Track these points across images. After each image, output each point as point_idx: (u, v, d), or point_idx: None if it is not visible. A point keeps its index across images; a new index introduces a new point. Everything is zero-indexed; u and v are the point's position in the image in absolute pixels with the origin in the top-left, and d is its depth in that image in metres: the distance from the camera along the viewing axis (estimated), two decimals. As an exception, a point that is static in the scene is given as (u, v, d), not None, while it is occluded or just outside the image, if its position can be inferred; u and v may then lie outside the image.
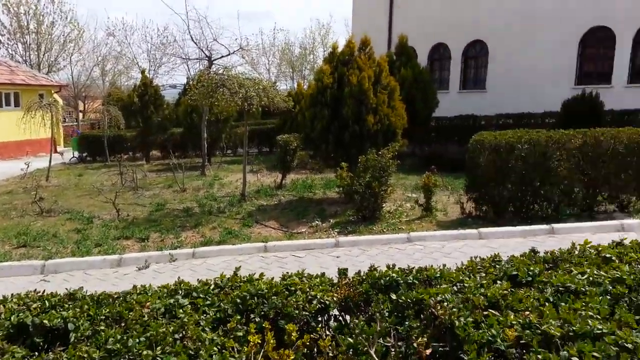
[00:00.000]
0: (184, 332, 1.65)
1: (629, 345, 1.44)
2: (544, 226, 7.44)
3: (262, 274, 2.11)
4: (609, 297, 1.81)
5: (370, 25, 19.47)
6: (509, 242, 7.10)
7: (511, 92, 15.90)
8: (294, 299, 1.83)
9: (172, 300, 1.91)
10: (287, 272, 2.15)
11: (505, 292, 1.80)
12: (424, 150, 13.92)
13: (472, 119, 14.93)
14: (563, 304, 1.72)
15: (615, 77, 14.37)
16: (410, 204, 9.18)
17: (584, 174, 7.71)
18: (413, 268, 2.09)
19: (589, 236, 7.10)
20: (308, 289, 1.95)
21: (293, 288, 1.95)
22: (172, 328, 1.67)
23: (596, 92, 12.67)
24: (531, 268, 2.02)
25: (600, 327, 1.52)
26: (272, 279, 2.07)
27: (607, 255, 2.15)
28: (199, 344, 1.60)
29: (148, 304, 1.92)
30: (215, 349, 1.58)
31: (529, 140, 7.74)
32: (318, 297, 1.88)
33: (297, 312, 1.75)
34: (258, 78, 10.84)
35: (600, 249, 2.24)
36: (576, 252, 2.29)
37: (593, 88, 13.11)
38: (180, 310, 1.81)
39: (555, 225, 7.41)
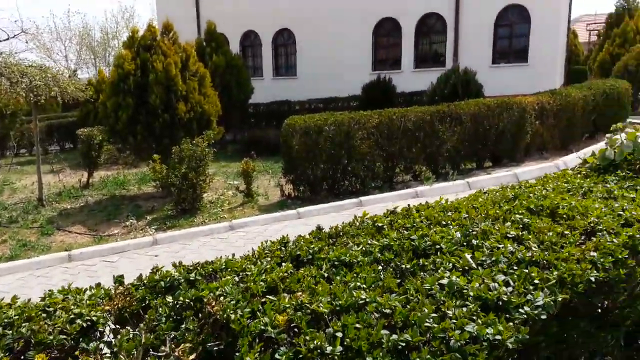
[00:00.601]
0: None
1: (387, 311, 1.56)
2: (354, 200, 8.06)
3: (14, 297, 1.77)
4: (380, 265, 1.95)
5: (177, 10, 18.62)
6: (325, 218, 7.52)
7: (320, 78, 16.86)
8: (51, 322, 1.56)
9: None
10: (50, 290, 1.84)
11: (285, 274, 1.82)
12: (244, 136, 13.95)
13: (287, 104, 15.45)
14: (338, 278, 1.80)
15: (404, 63, 16.30)
16: (232, 191, 9.10)
17: (382, 150, 8.53)
18: (198, 263, 1.98)
19: (391, 205, 7.98)
20: (73, 307, 1.69)
21: (52, 309, 1.67)
22: None
23: (389, 76, 14.20)
24: (312, 246, 2.08)
25: (364, 296, 1.62)
26: (29, 301, 1.75)
27: (380, 225, 2.33)
28: None
29: None
30: None
31: (334, 121, 8.25)
32: (84, 314, 1.64)
33: (51, 337, 1.49)
34: (45, 66, 9.44)
35: (375, 219, 2.43)
36: (357, 224, 2.45)
37: (387, 73, 14.68)
38: None
39: (363, 198, 8.09)
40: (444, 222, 2.27)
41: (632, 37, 19.09)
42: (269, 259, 2.04)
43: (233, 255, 2.16)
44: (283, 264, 1.98)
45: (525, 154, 9.56)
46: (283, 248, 2.15)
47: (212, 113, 9.41)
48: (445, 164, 8.99)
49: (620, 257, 1.93)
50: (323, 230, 2.38)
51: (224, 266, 1.96)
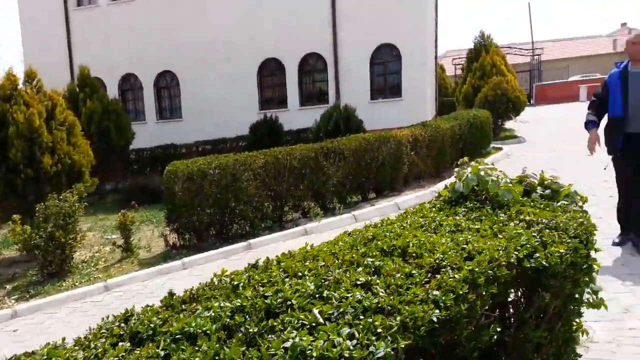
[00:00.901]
0: None
1: (222, 388, 1.43)
2: (242, 243, 7.85)
3: None
4: (229, 332, 1.82)
5: (48, 56, 17.47)
6: (212, 265, 7.21)
7: (207, 120, 16.65)
8: None
9: None
10: None
11: (115, 359, 1.62)
12: (125, 185, 13.14)
13: (173, 148, 14.95)
14: (176, 356, 1.64)
15: (290, 102, 16.71)
16: (110, 247, 8.41)
17: (270, 189, 8.49)
18: (13, 356, 1.70)
19: (281, 244, 7.89)
20: None
21: None
22: None
23: (276, 115, 14.43)
24: (155, 318, 1.90)
25: (198, 376, 1.48)
26: None
27: (237, 283, 2.22)
28: None
29: None
30: None
31: (219, 165, 8.07)
32: None
33: None
34: None
35: (233, 277, 2.31)
36: (215, 283, 2.30)
37: (274, 112, 14.92)
38: None
39: (252, 241, 7.92)
40: (300, 274, 2.22)
41: (489, 70, 21.40)
42: (104, 339, 1.82)
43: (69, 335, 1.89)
44: (121, 343, 1.77)
45: (404, 184, 10.12)
46: (124, 324, 1.94)
47: (83, 164, 8.74)
48: (332, 199, 9.18)
49: (460, 292, 2.00)
50: (175, 296, 2.21)
51: (45, 357, 1.70)
